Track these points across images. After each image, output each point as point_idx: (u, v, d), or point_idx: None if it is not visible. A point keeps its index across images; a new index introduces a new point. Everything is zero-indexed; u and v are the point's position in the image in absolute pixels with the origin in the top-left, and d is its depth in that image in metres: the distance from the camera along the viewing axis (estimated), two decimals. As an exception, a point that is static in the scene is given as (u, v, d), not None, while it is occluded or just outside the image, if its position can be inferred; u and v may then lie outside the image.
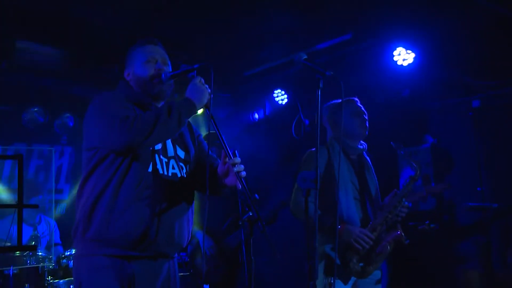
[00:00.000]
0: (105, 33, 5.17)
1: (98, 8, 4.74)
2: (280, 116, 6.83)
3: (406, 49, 5.27)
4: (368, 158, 3.79)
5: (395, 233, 3.56)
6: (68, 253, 4.98)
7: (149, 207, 2.44)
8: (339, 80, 2.60)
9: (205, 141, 2.88)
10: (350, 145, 3.64)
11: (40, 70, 5.62)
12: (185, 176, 2.66)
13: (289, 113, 6.62)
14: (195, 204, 2.76)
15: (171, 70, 2.69)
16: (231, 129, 7.00)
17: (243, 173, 2.41)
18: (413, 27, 5.05)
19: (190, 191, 2.70)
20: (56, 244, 5.96)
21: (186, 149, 2.73)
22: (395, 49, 5.31)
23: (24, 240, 5.58)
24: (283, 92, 6.67)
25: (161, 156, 2.57)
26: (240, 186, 2.41)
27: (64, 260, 4.92)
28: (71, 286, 4.69)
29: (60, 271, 4.90)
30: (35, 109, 6.35)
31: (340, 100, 3.67)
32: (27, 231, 5.74)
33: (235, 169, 2.40)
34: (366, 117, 3.68)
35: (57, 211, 6.89)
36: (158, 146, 2.57)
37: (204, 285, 4.68)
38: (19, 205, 2.16)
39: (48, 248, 5.71)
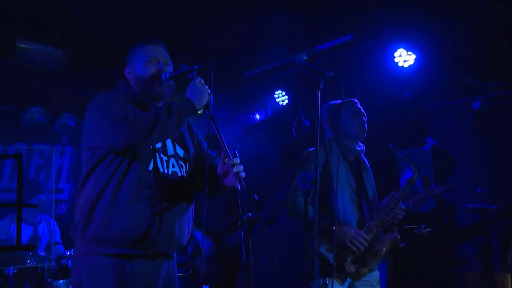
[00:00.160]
0: (105, 33, 5.17)
1: (98, 8, 4.74)
2: (281, 117, 6.83)
3: (407, 50, 5.27)
4: (365, 160, 3.78)
5: (391, 236, 3.55)
6: (69, 253, 4.98)
7: (149, 206, 2.44)
8: (339, 81, 2.60)
9: (205, 141, 2.88)
10: (348, 146, 3.63)
11: (40, 70, 5.61)
12: (185, 175, 2.66)
13: (289, 114, 6.62)
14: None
15: (172, 70, 2.70)
16: (232, 130, 7.00)
17: (243, 174, 2.41)
18: (414, 29, 5.05)
19: (190, 190, 2.69)
20: (56, 243, 5.96)
21: (185, 148, 2.73)
22: (396, 51, 5.32)
23: (24, 240, 5.60)
24: (283, 93, 6.68)
25: (161, 155, 2.57)
26: (240, 187, 2.40)
27: (64, 260, 4.92)
28: (71, 286, 4.69)
29: (60, 271, 4.90)
30: (36, 109, 6.35)
31: (340, 101, 3.66)
32: (28, 231, 5.74)
33: (235, 170, 2.40)
34: (365, 119, 3.67)
35: (58, 211, 6.89)
36: (158, 145, 2.57)
37: (204, 286, 4.68)
38: (18, 205, 2.16)
39: (48, 248, 5.71)
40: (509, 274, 4.83)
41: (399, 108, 5.79)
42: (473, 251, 5.36)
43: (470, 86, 5.41)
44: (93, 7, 4.76)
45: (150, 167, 2.50)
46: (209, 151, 2.72)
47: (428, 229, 4.77)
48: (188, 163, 2.71)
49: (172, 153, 2.64)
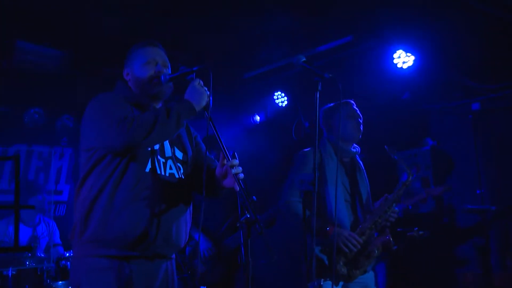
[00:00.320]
0: (105, 34, 5.18)
1: (98, 9, 4.74)
2: (280, 118, 6.83)
3: (406, 51, 5.27)
4: (360, 162, 3.77)
5: (384, 238, 3.54)
6: (68, 254, 4.98)
7: (146, 207, 2.43)
8: (337, 82, 2.60)
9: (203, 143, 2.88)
10: (344, 148, 3.62)
11: (40, 71, 5.62)
12: (182, 177, 2.66)
13: (289, 115, 6.63)
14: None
15: (170, 73, 2.70)
16: (231, 131, 7.00)
17: (241, 175, 2.41)
18: (413, 30, 5.06)
19: (188, 192, 2.69)
20: (56, 245, 5.96)
21: (183, 150, 2.73)
22: (395, 52, 5.33)
23: (24, 241, 5.60)
24: (283, 94, 6.68)
25: (159, 157, 2.57)
26: (238, 188, 2.41)
27: (63, 262, 4.92)
28: None
29: (59, 272, 4.90)
30: (36, 110, 6.35)
31: (336, 103, 3.65)
32: (27, 232, 5.74)
33: (233, 171, 2.40)
34: (361, 121, 3.65)
35: (57, 212, 6.89)
36: (156, 147, 2.57)
37: (201, 287, 4.67)
38: (16, 206, 2.15)
39: (47, 249, 5.70)
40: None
41: (399, 109, 5.80)
42: (472, 252, 5.36)
43: (469, 87, 5.42)
44: (94, 8, 4.77)
45: (148, 169, 2.50)
46: (208, 152, 2.72)
47: (421, 232, 4.75)
48: (186, 165, 2.71)
49: (170, 155, 2.64)
